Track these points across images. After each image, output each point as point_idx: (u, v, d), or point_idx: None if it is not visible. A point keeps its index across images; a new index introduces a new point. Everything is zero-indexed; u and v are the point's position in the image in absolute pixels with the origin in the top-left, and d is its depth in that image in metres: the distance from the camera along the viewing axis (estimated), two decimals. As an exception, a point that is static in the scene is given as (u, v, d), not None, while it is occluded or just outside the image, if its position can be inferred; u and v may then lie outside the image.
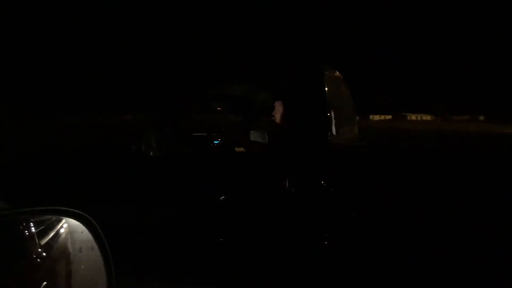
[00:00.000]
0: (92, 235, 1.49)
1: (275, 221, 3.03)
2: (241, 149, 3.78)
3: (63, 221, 1.68)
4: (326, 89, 3.17)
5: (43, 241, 1.57)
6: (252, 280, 3.13)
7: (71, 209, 1.46)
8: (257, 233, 3.08)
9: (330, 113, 3.15)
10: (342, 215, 2.94)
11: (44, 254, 1.54)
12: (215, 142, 4.06)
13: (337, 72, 3.60)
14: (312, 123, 3.15)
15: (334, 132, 3.14)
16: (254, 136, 3.98)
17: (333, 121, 3.15)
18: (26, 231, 1.50)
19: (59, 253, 1.64)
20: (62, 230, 1.68)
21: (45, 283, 1.50)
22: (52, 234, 1.62)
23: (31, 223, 1.52)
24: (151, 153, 3.37)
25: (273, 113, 3.55)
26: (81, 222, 1.49)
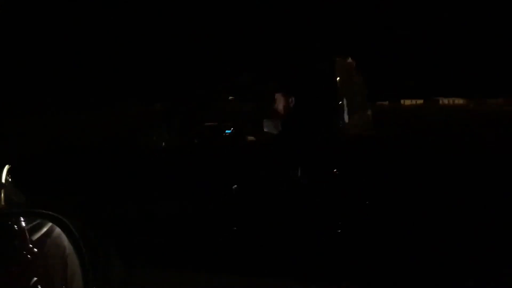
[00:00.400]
0: (68, 238, 1.43)
1: (288, 210, 2.95)
2: (253, 138, 3.69)
3: (58, 215, 1.63)
4: (338, 77, 3.04)
5: (35, 237, 1.52)
6: (268, 267, 3.07)
7: (44, 211, 1.41)
8: (270, 222, 3.00)
9: (342, 101, 3.01)
10: (355, 203, 2.83)
11: (35, 250, 1.49)
12: (227, 131, 3.96)
13: (350, 59, 3.44)
14: (323, 112, 3.03)
15: (346, 120, 3.01)
16: (268, 125, 3.86)
17: (345, 109, 3.02)
18: (16, 227, 1.45)
19: (53, 248, 1.59)
20: (56, 225, 1.62)
21: (35, 279, 1.45)
22: (45, 229, 1.57)
23: (21, 219, 1.47)
24: (163, 144, 3.33)
25: (275, 106, 3.43)
26: (56, 224, 1.43)
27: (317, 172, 2.93)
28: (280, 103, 3.40)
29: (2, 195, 3.43)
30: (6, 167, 3.47)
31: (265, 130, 3.79)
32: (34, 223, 1.54)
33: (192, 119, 3.83)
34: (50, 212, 1.55)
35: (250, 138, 3.64)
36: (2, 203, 3.46)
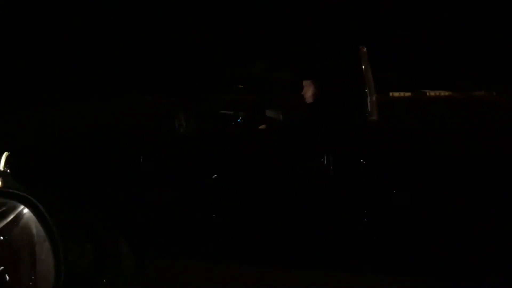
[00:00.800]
0: (39, 222, 1.35)
1: (314, 199, 2.90)
2: (263, 126, 3.64)
3: (27, 202, 1.54)
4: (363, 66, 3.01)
5: (1, 225, 1.43)
6: (292, 258, 3.05)
7: (16, 192, 1.32)
8: (295, 210, 2.92)
9: (366, 89, 2.99)
10: (382, 193, 2.80)
11: (1, 238, 1.41)
12: (238, 120, 3.88)
13: (365, 48, 3.41)
14: (352, 101, 2.99)
15: (369, 108, 2.98)
16: (269, 113, 3.80)
17: (368, 98, 2.99)
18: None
19: (20, 236, 1.50)
20: (25, 211, 1.54)
21: (1, 267, 1.37)
22: (11, 217, 1.49)
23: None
24: (181, 131, 3.25)
25: (302, 93, 3.35)
26: (27, 207, 1.35)
27: (345, 161, 2.89)
28: (309, 91, 3.31)
29: (0, 182, 3.30)
30: (5, 154, 3.35)
31: (267, 114, 3.67)
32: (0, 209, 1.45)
33: (207, 107, 3.75)
34: (24, 194, 1.49)
35: (261, 126, 3.59)
36: (-1, 190, 3.33)
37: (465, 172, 2.75)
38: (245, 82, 4.04)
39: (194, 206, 3.13)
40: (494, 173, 2.70)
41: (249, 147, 3.16)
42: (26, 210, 1.54)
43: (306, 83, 3.34)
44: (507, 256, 2.65)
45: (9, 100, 16.22)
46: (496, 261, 2.68)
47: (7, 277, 1.38)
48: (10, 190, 1.36)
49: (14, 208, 1.50)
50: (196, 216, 3.13)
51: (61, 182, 3.31)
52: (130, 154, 3.27)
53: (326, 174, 2.87)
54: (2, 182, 3.43)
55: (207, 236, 3.16)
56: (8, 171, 3.42)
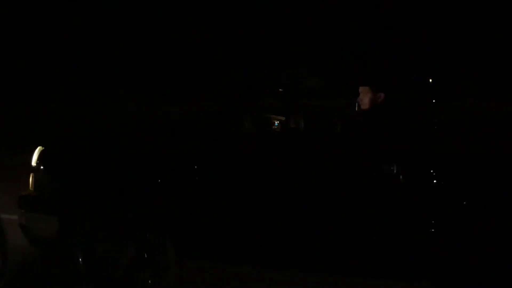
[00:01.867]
0: None
1: (383, 208, 2.73)
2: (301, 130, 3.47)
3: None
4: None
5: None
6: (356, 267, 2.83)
7: None
8: (366, 217, 2.75)
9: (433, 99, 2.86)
10: (451, 203, 2.63)
11: None
12: (275, 124, 3.67)
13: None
14: (418, 107, 2.87)
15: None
16: (292, 119, 3.63)
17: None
18: None
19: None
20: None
21: None
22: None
23: None
24: (241, 131, 3.01)
25: (358, 99, 3.18)
26: None
27: (414, 170, 2.72)
28: (365, 97, 3.13)
29: (31, 179, 3.05)
30: (38, 149, 3.07)
31: (291, 126, 3.53)
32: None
33: (258, 110, 3.52)
34: None
35: (298, 130, 3.45)
36: (31, 187, 3.07)
37: None
38: (285, 86, 3.85)
39: (252, 210, 2.89)
40: None
41: (308, 153, 2.93)
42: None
43: (363, 89, 3.16)
44: None
45: (39, 93, 15.79)
46: None
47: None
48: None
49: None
50: (253, 220, 2.89)
51: (101, 178, 3.06)
52: (180, 150, 3.00)
53: (396, 183, 2.69)
54: (34, 179, 3.18)
55: (264, 242, 2.90)
56: (42, 167, 3.16)
